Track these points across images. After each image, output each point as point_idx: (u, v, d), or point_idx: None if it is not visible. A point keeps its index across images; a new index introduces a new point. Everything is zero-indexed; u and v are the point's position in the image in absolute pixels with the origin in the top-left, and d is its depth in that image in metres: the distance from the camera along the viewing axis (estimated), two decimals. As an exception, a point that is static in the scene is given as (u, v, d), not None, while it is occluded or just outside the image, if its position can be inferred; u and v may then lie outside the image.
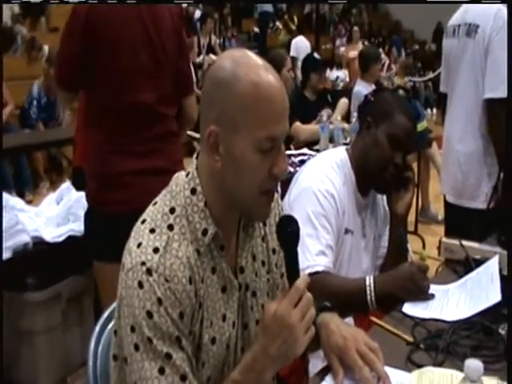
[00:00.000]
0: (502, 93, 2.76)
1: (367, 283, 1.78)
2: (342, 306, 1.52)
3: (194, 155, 1.30)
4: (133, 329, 1.17)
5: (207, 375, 1.26)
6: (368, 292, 1.76)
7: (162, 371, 1.16)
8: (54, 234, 2.65)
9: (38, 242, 2.61)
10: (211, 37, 9.98)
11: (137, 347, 1.17)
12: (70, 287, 2.71)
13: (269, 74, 1.21)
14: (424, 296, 1.75)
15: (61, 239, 2.65)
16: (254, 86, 1.18)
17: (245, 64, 1.21)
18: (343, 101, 5.43)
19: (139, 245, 1.20)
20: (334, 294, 1.47)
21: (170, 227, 1.22)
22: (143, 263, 1.17)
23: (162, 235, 1.20)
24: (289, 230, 1.24)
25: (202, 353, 1.24)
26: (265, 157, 1.20)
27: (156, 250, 1.18)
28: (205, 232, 1.23)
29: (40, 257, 2.60)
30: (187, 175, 1.28)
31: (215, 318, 1.26)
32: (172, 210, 1.24)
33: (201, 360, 1.25)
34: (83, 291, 2.79)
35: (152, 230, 1.21)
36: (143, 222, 1.25)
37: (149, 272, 1.16)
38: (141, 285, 1.16)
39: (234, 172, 1.21)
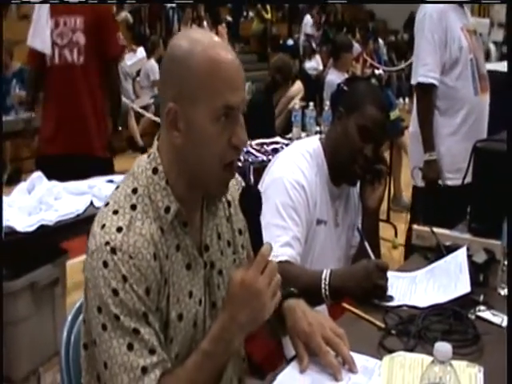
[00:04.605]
0: (419, 78, 3.02)
1: (323, 276, 1.74)
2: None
3: (156, 137, 1.31)
4: (99, 309, 1.18)
5: (175, 352, 1.27)
6: (323, 286, 1.73)
7: (130, 347, 1.17)
8: (25, 223, 2.62)
9: (9, 232, 2.57)
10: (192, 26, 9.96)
11: (104, 327, 1.18)
12: (41, 277, 2.68)
13: (225, 51, 1.22)
14: (379, 296, 1.69)
15: (32, 229, 2.62)
16: (209, 59, 1.20)
17: (201, 41, 1.22)
18: (298, 84, 5.55)
19: (103, 226, 1.21)
20: (291, 284, 1.48)
21: (133, 207, 1.23)
22: (107, 243, 1.18)
23: (125, 215, 1.22)
24: (249, 197, 1.27)
25: (170, 329, 1.26)
26: (223, 127, 1.22)
27: (119, 230, 1.19)
28: (167, 209, 1.24)
29: (11, 247, 2.56)
30: (148, 156, 1.29)
31: (181, 294, 1.27)
32: (134, 191, 1.25)
33: (169, 337, 1.26)
34: (55, 280, 2.77)
35: (115, 212, 1.23)
36: (106, 205, 1.26)
37: (113, 251, 1.17)
38: (106, 264, 1.17)
39: (194, 145, 1.22)
